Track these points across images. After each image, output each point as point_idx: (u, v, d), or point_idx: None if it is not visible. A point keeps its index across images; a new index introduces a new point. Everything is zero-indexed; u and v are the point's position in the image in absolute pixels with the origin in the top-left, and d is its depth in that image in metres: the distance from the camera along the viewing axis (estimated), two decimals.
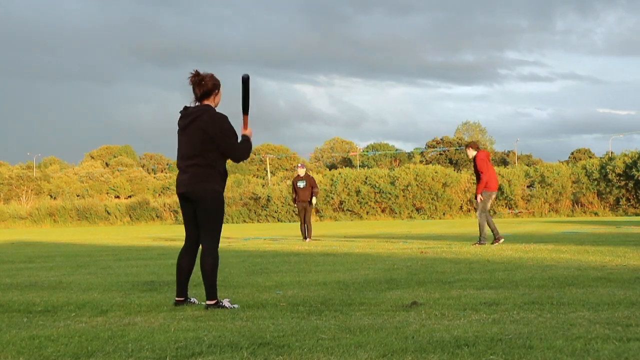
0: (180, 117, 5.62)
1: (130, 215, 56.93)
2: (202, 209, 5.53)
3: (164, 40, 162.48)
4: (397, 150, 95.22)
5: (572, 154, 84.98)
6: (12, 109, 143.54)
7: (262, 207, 52.04)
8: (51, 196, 72.91)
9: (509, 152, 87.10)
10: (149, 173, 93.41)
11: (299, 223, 18.28)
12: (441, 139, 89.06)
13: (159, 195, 72.65)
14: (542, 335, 3.94)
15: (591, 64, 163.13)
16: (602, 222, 28.92)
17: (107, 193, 79.40)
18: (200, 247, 5.66)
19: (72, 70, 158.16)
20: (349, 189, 51.70)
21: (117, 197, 76.59)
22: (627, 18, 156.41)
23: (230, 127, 5.53)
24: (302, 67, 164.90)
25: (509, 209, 48.06)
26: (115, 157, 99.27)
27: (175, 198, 60.80)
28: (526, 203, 47.94)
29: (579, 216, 44.11)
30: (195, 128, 5.47)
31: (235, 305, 5.55)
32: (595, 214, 45.11)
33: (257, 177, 73.22)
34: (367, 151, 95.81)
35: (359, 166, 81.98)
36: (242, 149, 5.59)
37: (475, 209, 13.22)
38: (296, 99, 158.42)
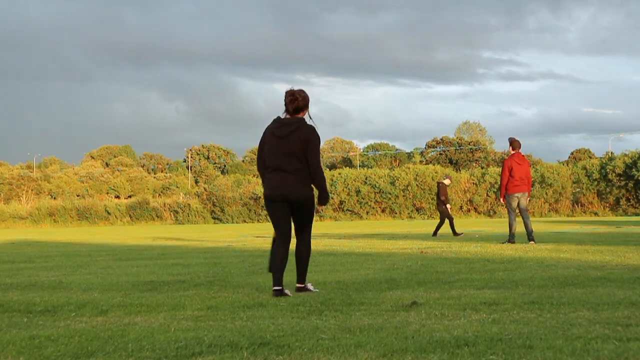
0: (277, 127, 6.24)
1: (130, 215, 56.93)
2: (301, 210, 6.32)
3: (135, 40, 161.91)
4: (397, 150, 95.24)
5: (572, 154, 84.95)
6: (10, 109, 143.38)
7: (262, 207, 52.04)
8: (51, 196, 72.90)
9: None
10: (149, 173, 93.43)
11: None
12: (441, 139, 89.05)
13: (159, 195, 72.69)
14: (542, 335, 3.94)
15: (568, 63, 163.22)
16: (602, 222, 28.92)
17: (107, 193, 79.42)
18: (296, 238, 6.44)
19: (48, 70, 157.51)
20: (349, 189, 51.70)
21: (117, 197, 76.61)
22: (601, 17, 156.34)
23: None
24: (277, 66, 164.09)
25: None
26: (115, 157, 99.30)
27: (175, 198, 60.82)
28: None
29: (579, 216, 44.10)
30: (296, 138, 6.16)
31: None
32: (595, 214, 45.10)
33: (257, 177, 73.18)
34: (367, 151, 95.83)
35: (359, 166, 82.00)
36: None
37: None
38: (275, 99, 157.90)
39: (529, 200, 13.96)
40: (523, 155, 13.48)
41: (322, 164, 6.40)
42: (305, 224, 6.38)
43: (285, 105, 6.29)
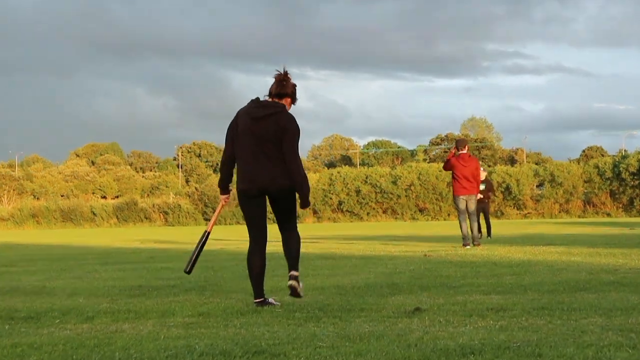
0: (254, 107, 5.87)
1: (117, 217, 56.92)
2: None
3: (121, 32, 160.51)
4: (399, 147, 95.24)
5: (584, 151, 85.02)
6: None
7: None
8: (34, 196, 72.85)
9: (517, 149, 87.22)
10: (137, 172, 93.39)
11: None
12: (445, 136, 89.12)
13: (148, 195, 72.65)
14: (552, 343, 3.95)
15: (577, 55, 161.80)
16: (615, 224, 28.97)
17: (93, 193, 79.37)
18: (286, 232, 6.14)
19: (30, 64, 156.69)
20: (348, 188, 51.70)
21: (104, 197, 76.59)
22: (610, 6, 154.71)
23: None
24: (271, 59, 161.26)
25: (517, 209, 48.08)
26: (101, 155, 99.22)
27: (165, 198, 60.85)
28: (535, 203, 47.97)
29: (590, 217, 44.17)
30: (272, 122, 5.78)
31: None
32: (608, 214, 45.19)
33: None
34: (368, 149, 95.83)
35: (359, 164, 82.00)
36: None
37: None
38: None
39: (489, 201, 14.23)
40: (470, 156, 13.70)
41: (300, 160, 5.88)
42: (289, 215, 6.04)
43: (271, 85, 5.91)
